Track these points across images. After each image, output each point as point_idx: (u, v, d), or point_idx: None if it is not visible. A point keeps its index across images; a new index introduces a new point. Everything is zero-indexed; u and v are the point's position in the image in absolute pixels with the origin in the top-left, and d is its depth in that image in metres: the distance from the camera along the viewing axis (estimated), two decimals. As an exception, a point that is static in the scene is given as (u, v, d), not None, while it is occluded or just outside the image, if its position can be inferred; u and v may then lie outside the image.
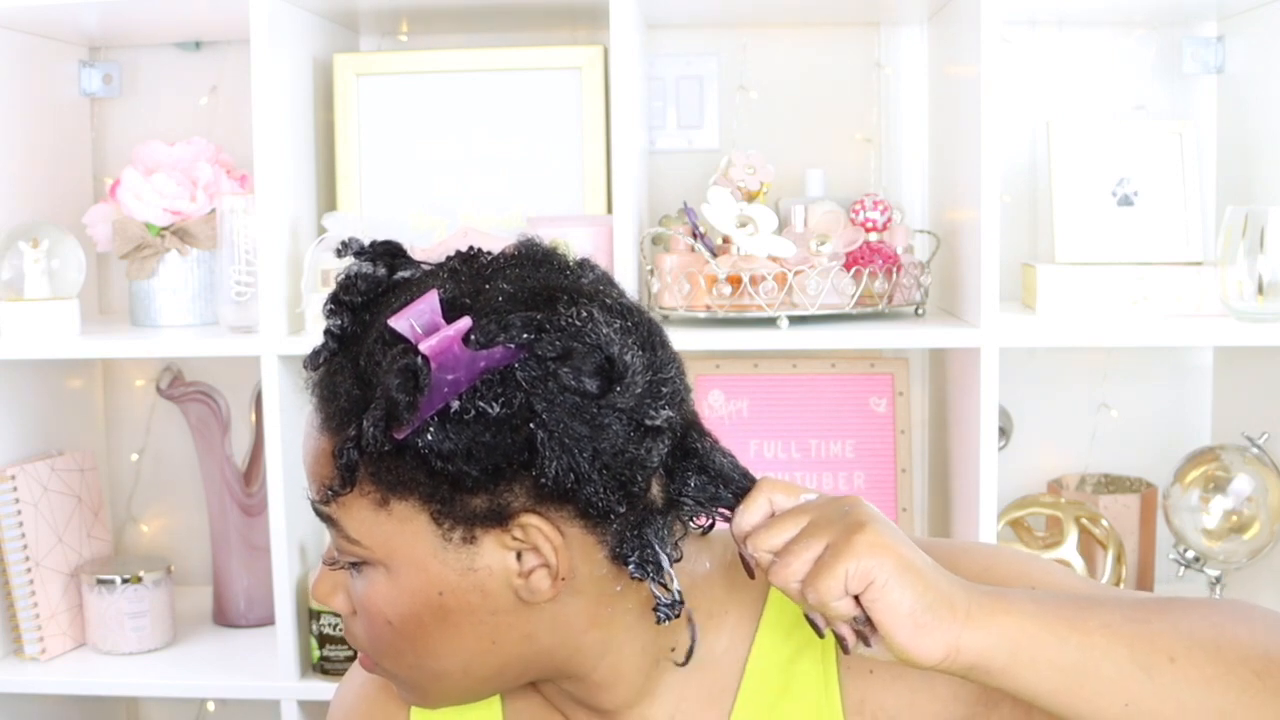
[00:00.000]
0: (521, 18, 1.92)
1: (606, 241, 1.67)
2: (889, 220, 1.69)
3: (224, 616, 1.93)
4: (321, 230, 1.75)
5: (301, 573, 1.75)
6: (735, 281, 1.64)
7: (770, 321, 1.64)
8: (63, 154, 1.97)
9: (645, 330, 0.86)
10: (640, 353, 0.84)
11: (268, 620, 1.84)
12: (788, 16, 1.96)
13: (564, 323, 0.81)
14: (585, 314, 0.82)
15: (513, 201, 1.84)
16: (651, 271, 1.70)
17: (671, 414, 0.85)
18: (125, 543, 2.09)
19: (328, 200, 1.85)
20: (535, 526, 0.83)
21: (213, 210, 1.77)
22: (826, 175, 1.89)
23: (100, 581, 1.79)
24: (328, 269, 1.70)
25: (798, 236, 1.69)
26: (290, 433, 1.70)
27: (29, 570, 1.77)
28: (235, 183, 1.82)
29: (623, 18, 1.63)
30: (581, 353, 0.81)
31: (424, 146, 1.85)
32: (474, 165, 1.84)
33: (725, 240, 1.69)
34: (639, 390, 0.83)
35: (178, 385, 1.91)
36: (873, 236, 1.69)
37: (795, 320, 1.65)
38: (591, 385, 0.81)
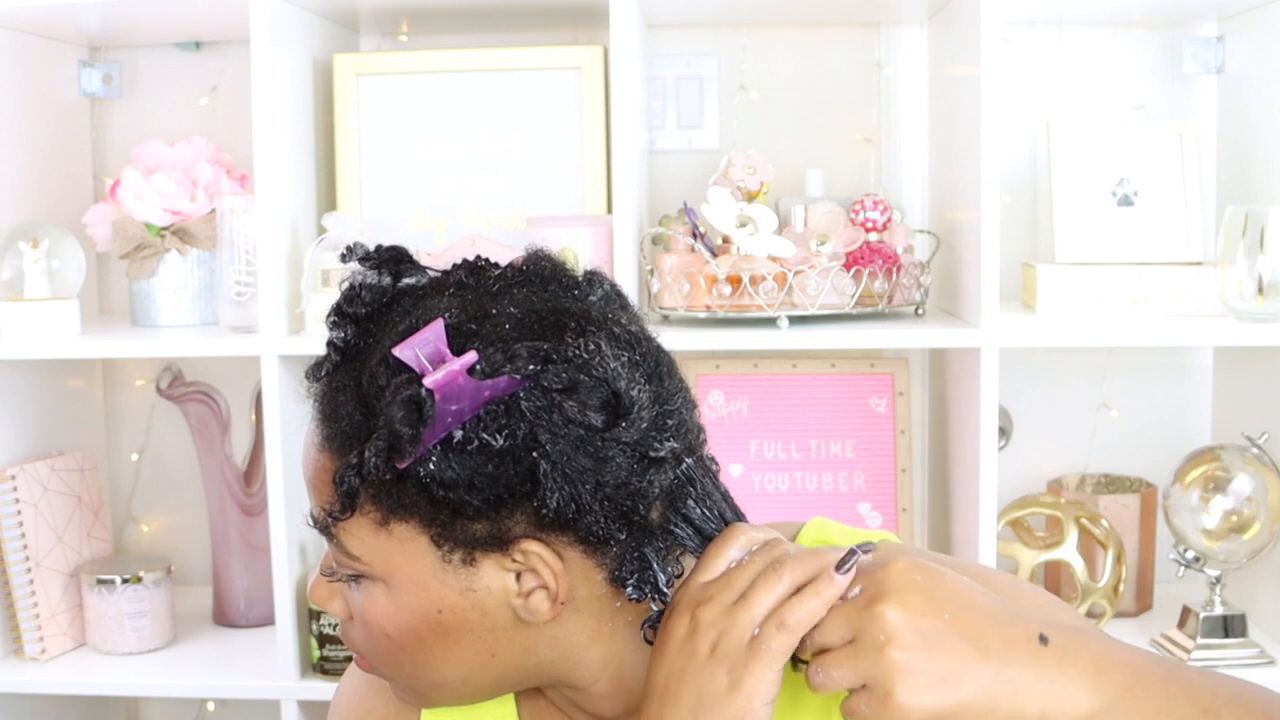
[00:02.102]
0: (521, 18, 1.92)
1: (606, 241, 1.67)
2: (889, 220, 1.69)
3: (224, 616, 1.93)
4: (321, 230, 1.75)
5: (301, 573, 1.75)
6: (735, 281, 1.64)
7: (770, 321, 1.64)
8: (63, 154, 1.97)
9: (653, 361, 0.85)
10: (647, 386, 0.83)
11: (268, 620, 1.84)
12: (788, 16, 1.96)
13: (570, 354, 0.81)
14: (593, 346, 0.81)
15: (513, 201, 1.84)
16: (651, 271, 1.70)
17: (676, 445, 0.84)
18: (125, 543, 2.09)
19: (328, 200, 1.85)
20: (535, 552, 0.83)
21: (213, 210, 1.77)
22: (826, 175, 1.89)
23: (100, 581, 1.79)
24: (328, 269, 1.70)
25: (798, 236, 1.69)
26: (290, 433, 1.70)
27: (29, 570, 1.77)
28: (235, 183, 1.82)
29: (623, 18, 1.63)
30: (588, 386, 0.80)
31: (424, 146, 1.85)
32: (474, 165, 1.84)
33: (725, 240, 1.69)
34: (644, 425, 0.82)
35: (178, 385, 1.91)
36: (873, 236, 1.69)
37: (795, 320, 1.65)
38: (596, 419, 0.81)
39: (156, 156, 1.80)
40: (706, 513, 0.87)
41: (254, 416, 1.89)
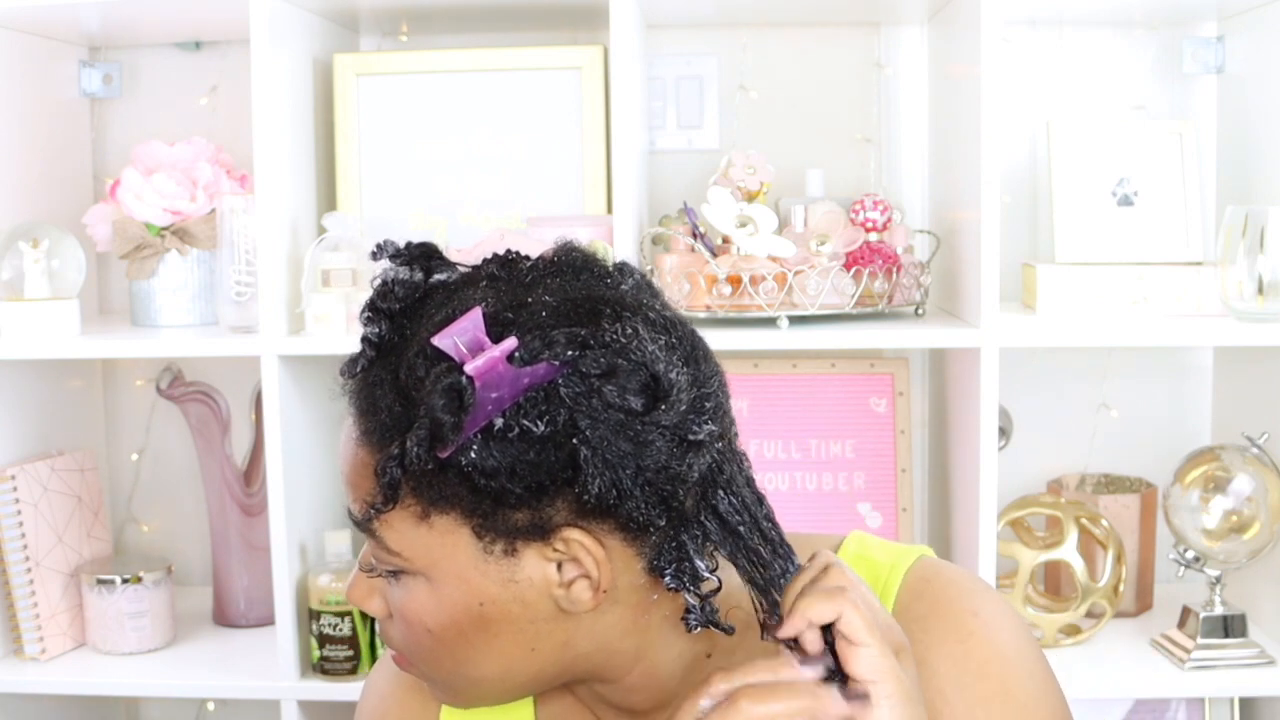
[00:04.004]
0: (521, 18, 1.92)
1: (606, 241, 1.67)
2: (889, 220, 1.69)
3: (224, 616, 1.93)
4: (321, 230, 1.75)
5: (301, 573, 1.75)
6: (735, 281, 1.64)
7: (770, 321, 1.64)
8: (63, 154, 1.97)
9: (689, 345, 0.86)
10: (684, 368, 0.83)
11: (268, 620, 1.84)
12: (787, 16, 1.96)
13: (608, 339, 0.81)
14: (630, 330, 0.81)
15: (513, 201, 1.84)
16: (651, 271, 1.70)
17: (714, 428, 0.84)
18: (125, 543, 2.09)
19: (328, 200, 1.85)
20: (577, 540, 0.83)
21: (213, 210, 1.77)
22: (826, 175, 1.89)
23: (100, 581, 1.79)
24: (328, 269, 1.70)
25: (798, 236, 1.69)
26: (290, 433, 1.70)
27: (29, 570, 1.76)
28: (235, 183, 1.82)
29: (623, 18, 1.63)
30: (626, 370, 0.81)
31: (424, 146, 1.85)
32: (474, 165, 1.84)
33: (725, 240, 1.69)
34: (683, 407, 0.82)
35: (178, 385, 1.91)
36: (873, 236, 1.69)
37: (795, 320, 1.65)
38: (636, 403, 0.81)
39: (156, 156, 1.80)
40: (733, 503, 0.86)
41: (254, 416, 1.90)
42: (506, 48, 1.85)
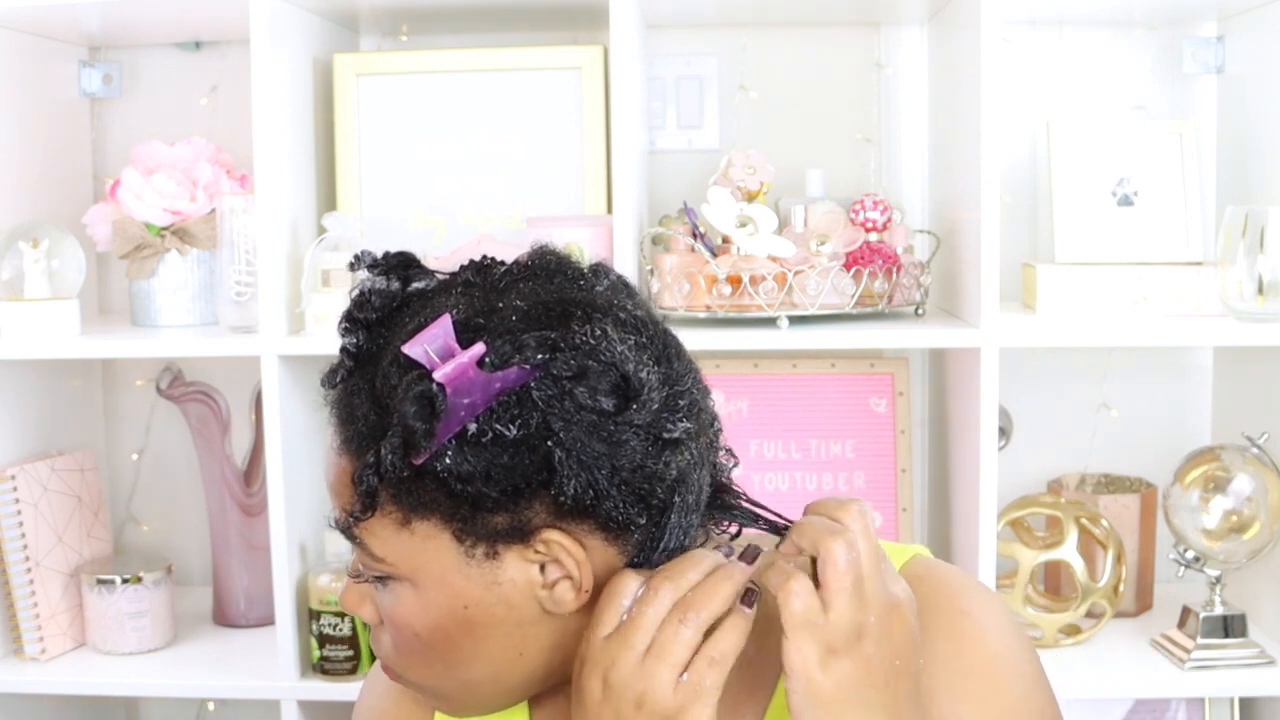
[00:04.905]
0: (521, 18, 1.92)
1: (606, 241, 1.67)
2: (889, 220, 1.70)
3: (224, 616, 1.93)
4: (321, 230, 1.75)
5: (301, 573, 1.75)
6: (735, 281, 1.64)
7: (770, 321, 1.64)
8: (63, 154, 1.97)
9: (660, 343, 0.86)
10: (655, 367, 0.84)
11: (268, 620, 1.84)
12: (787, 16, 1.96)
13: (578, 341, 0.81)
14: (599, 331, 0.82)
15: (513, 201, 1.84)
16: (651, 271, 1.70)
17: (689, 425, 0.85)
18: (125, 543, 2.09)
19: (328, 200, 1.85)
20: (557, 541, 0.84)
21: (213, 210, 1.77)
22: (826, 175, 1.89)
23: (100, 581, 1.79)
24: (328, 269, 1.70)
25: (798, 236, 1.69)
26: (290, 433, 1.70)
27: (29, 570, 1.77)
28: (235, 183, 1.82)
29: (623, 18, 1.63)
30: (597, 371, 0.81)
31: (424, 146, 1.85)
32: (474, 165, 1.84)
33: (725, 240, 1.69)
34: (656, 406, 0.83)
35: (178, 385, 1.91)
36: (873, 236, 1.69)
37: (795, 320, 1.65)
38: (608, 403, 0.81)
39: (156, 156, 1.80)
40: (689, 503, 0.87)
41: (254, 416, 1.89)
42: (506, 48, 1.85)
